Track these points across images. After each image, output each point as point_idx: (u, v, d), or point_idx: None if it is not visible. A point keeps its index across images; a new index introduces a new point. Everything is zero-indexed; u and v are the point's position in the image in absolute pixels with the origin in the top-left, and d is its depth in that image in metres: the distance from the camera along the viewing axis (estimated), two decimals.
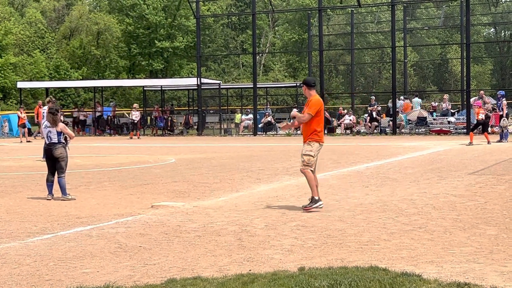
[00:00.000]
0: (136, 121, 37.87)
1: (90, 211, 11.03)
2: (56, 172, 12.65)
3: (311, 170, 10.55)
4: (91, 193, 13.26)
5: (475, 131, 27.67)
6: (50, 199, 12.39)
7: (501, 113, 29.08)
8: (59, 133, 12.63)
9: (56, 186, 12.59)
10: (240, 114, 43.79)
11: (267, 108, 47.51)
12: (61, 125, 12.76)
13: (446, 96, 42.07)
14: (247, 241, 8.26)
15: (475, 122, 28.71)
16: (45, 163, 13.13)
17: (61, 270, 7.00)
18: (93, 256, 7.60)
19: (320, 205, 10.40)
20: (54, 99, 23.78)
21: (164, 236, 8.68)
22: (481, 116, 26.69)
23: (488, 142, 26.18)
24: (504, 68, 76.97)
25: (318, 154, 10.69)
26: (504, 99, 29.61)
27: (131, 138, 37.14)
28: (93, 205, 11.66)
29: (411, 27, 67.60)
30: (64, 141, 12.80)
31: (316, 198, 10.43)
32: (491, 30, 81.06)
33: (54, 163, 12.69)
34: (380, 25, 66.82)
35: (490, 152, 22.10)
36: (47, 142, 12.72)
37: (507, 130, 27.84)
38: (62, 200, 12.34)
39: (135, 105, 39.79)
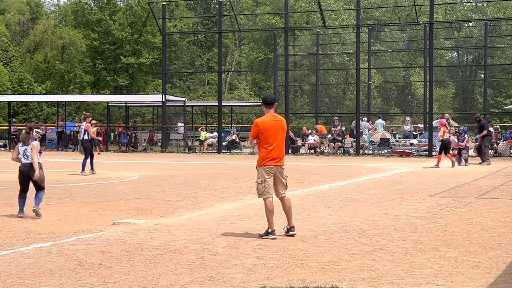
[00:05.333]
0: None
1: (51, 227, 10.89)
2: (35, 190, 12.16)
3: (268, 198, 9.93)
4: (52, 209, 13.10)
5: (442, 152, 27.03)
6: (22, 216, 11.86)
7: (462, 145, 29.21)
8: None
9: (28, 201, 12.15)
10: (205, 132, 43.75)
11: (232, 126, 47.53)
12: (36, 142, 12.20)
13: (408, 118, 42.53)
14: (208, 260, 8.23)
15: (438, 142, 28.75)
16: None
17: (19, 287, 6.89)
18: (52, 273, 7.50)
19: (272, 237, 9.80)
20: (88, 113, 23.83)
21: (125, 254, 8.61)
22: (446, 136, 26.60)
23: (453, 164, 26.20)
24: (466, 92, 78.15)
25: (270, 177, 9.94)
26: (467, 135, 29.99)
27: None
28: (53, 221, 11.51)
29: (376, 49, 68.29)
30: (40, 161, 12.12)
31: (269, 231, 9.87)
32: (454, 54, 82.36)
33: (28, 182, 12.15)
34: (345, 46, 67.47)
35: (451, 175, 22.37)
36: (24, 161, 12.08)
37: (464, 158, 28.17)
38: (33, 210, 11.79)
39: (93, 121, 39.88)
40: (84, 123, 22.76)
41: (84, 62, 69.33)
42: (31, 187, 12.23)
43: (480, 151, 29.57)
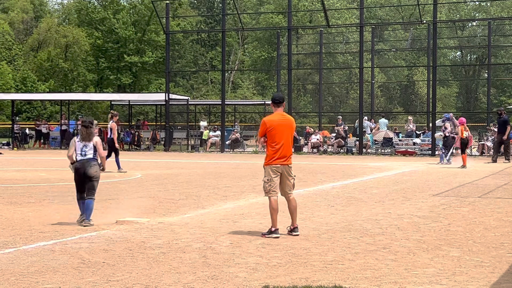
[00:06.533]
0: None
1: (54, 225, 10.90)
2: (85, 193, 11.16)
3: (273, 196, 9.95)
4: (55, 207, 13.12)
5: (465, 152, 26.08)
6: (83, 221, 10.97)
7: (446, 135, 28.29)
8: (95, 148, 11.23)
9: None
10: (208, 131, 43.74)
11: (235, 125, 47.48)
12: (97, 138, 11.33)
13: (410, 118, 42.45)
14: (212, 259, 8.24)
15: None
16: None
17: (22, 285, 6.90)
18: (55, 271, 7.52)
19: (275, 236, 9.80)
20: (115, 112, 24.03)
21: (128, 252, 8.62)
22: (466, 134, 26.01)
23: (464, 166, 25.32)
24: (469, 91, 78.04)
25: (276, 176, 9.96)
26: (449, 122, 28.74)
27: None
28: (57, 220, 11.52)
29: (379, 48, 68.28)
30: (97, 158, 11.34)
31: (273, 229, 9.88)
32: (458, 53, 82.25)
33: (85, 182, 11.17)
34: (348, 45, 67.43)
35: (454, 174, 22.34)
36: (80, 158, 11.16)
37: (443, 152, 27.65)
38: (84, 225, 10.82)
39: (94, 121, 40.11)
40: (111, 122, 22.95)
41: (88, 60, 69.42)
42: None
43: (498, 148, 29.08)
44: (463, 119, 26.73)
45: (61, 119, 45.28)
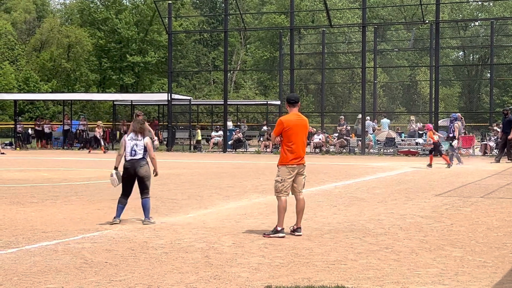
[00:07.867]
0: (98, 137, 39.04)
1: (56, 225, 10.91)
2: (140, 193, 11.20)
3: (284, 196, 9.97)
4: (57, 207, 13.13)
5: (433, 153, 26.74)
6: (117, 223, 10.97)
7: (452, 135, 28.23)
8: (145, 148, 11.06)
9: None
10: (200, 131, 43.65)
11: (243, 125, 47.37)
12: (148, 139, 11.11)
13: (412, 117, 42.40)
14: (214, 259, 8.24)
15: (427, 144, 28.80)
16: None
17: (25, 285, 6.91)
18: (58, 271, 7.52)
19: (281, 235, 9.80)
20: (139, 112, 24.03)
21: (131, 252, 8.63)
22: (436, 138, 26.47)
23: (430, 165, 25.70)
24: (472, 91, 77.98)
25: (291, 176, 9.98)
26: (457, 122, 28.57)
27: (89, 152, 37.20)
28: (59, 220, 11.54)
29: (381, 48, 68.23)
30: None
31: (278, 229, 9.86)
32: (460, 53, 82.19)
33: (133, 183, 11.16)
34: (351, 45, 67.41)
35: (456, 174, 22.32)
36: (129, 158, 11.03)
37: (457, 153, 27.65)
38: (145, 224, 10.97)
39: (99, 122, 40.80)
40: None
41: (90, 60, 69.42)
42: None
43: (503, 148, 29.07)
44: (430, 125, 27.86)
45: (64, 119, 45.31)
